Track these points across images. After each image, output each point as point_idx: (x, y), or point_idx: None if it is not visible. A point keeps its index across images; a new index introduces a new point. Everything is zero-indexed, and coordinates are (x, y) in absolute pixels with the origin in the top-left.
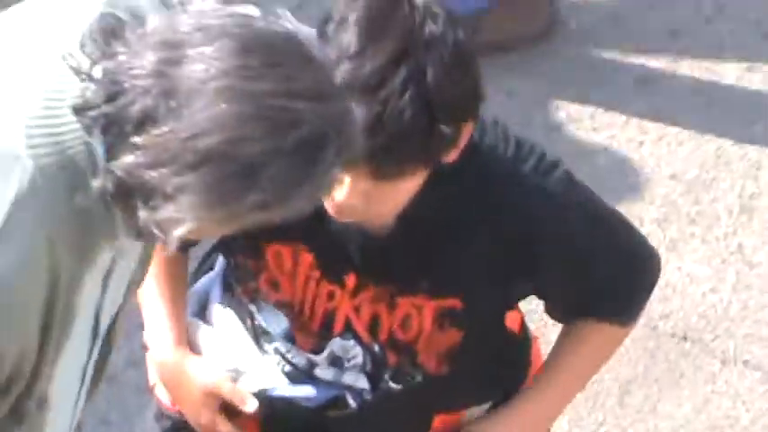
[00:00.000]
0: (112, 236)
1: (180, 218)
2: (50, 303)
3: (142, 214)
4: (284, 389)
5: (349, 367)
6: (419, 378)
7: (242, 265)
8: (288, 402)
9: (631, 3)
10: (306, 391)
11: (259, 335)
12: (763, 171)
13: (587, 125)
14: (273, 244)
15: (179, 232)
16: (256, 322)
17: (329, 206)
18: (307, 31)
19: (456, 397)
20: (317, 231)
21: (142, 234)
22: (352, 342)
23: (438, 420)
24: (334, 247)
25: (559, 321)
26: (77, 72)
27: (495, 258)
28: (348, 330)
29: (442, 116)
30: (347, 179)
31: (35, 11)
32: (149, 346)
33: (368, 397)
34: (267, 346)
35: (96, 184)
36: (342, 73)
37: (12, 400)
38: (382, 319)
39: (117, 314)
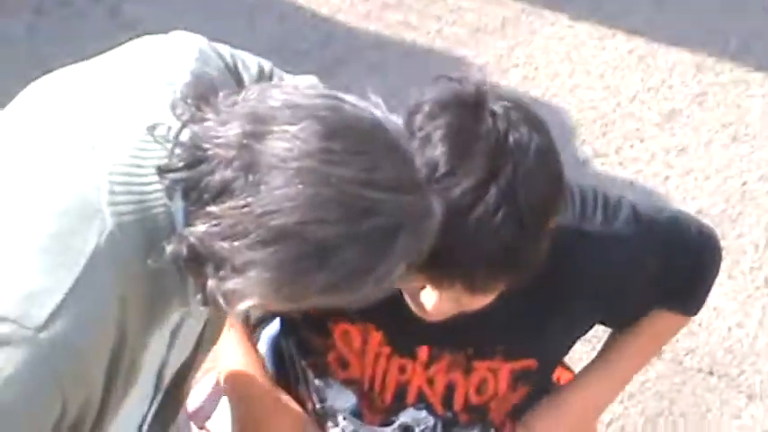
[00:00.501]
0: (185, 301)
1: (246, 292)
2: (116, 356)
3: (210, 283)
4: None
5: None
6: None
7: (307, 341)
8: None
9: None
10: None
11: (321, 418)
12: None
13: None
14: (341, 324)
15: (243, 305)
16: (317, 405)
17: (416, 309)
18: (394, 120)
19: None
20: (385, 310)
21: (208, 302)
22: (424, 413)
23: None
24: (405, 322)
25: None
26: (164, 136)
27: (577, 317)
28: (421, 401)
29: (533, 230)
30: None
31: (127, 62)
32: (229, 385)
33: None
34: (333, 430)
35: (170, 248)
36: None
37: None
38: (458, 386)
39: (186, 369)
